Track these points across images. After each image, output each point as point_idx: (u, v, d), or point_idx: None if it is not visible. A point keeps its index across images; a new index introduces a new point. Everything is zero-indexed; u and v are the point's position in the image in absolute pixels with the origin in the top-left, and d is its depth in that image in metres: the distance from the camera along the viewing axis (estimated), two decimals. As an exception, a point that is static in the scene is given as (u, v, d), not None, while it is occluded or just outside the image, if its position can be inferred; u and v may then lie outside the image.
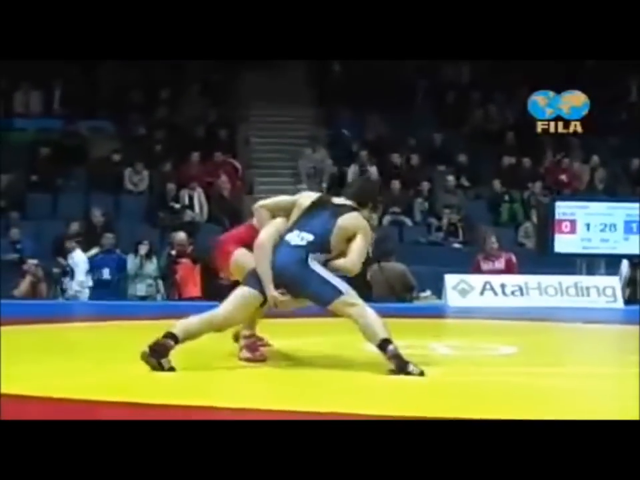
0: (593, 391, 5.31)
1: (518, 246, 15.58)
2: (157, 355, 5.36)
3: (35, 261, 13.55)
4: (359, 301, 5.62)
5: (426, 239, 15.90)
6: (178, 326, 5.53)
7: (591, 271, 14.08)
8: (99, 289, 13.48)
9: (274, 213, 5.91)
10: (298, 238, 5.70)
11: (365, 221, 5.83)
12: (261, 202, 6.02)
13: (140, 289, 13.66)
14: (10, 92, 17.74)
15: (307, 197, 5.93)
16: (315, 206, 5.82)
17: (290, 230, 5.76)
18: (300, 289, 5.66)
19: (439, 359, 6.28)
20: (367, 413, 4.36)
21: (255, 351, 6.03)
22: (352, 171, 16.60)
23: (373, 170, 16.59)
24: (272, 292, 5.59)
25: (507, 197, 16.78)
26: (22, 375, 5.24)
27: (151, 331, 5.60)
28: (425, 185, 16.68)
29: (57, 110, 17.92)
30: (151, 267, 13.75)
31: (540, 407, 4.71)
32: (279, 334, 6.56)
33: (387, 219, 16.02)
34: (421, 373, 5.38)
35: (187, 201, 15.99)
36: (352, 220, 5.76)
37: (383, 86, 17.99)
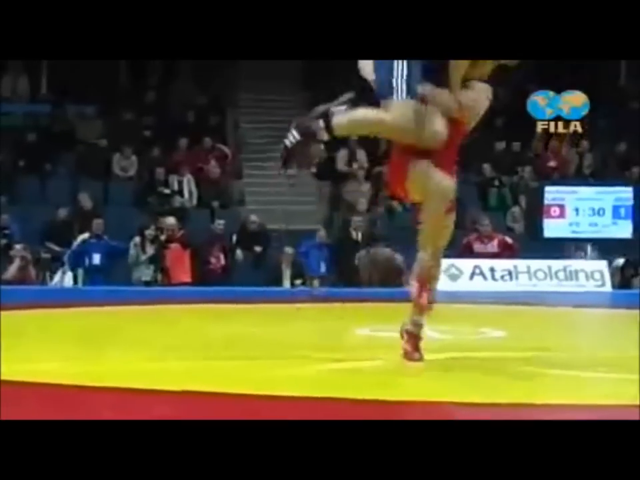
0: (581, 374, 5.32)
1: (507, 230, 15.59)
2: (304, 132, 5.12)
3: (22, 245, 13.54)
4: (390, 115, 5.09)
5: (416, 224, 15.84)
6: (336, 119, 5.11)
7: (579, 255, 14.12)
8: (90, 274, 13.47)
9: None
10: None
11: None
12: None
13: (146, 274, 13.70)
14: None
15: None
16: None
17: None
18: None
19: (428, 344, 6.27)
20: (359, 397, 4.37)
21: (416, 350, 5.42)
22: (341, 156, 16.57)
23: (362, 154, 16.57)
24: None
25: (496, 182, 16.77)
26: (17, 361, 5.21)
27: (141, 317, 5.58)
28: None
29: (44, 94, 17.85)
30: (151, 252, 13.78)
31: (529, 390, 4.72)
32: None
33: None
34: None
35: (176, 187, 15.97)
36: None
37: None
